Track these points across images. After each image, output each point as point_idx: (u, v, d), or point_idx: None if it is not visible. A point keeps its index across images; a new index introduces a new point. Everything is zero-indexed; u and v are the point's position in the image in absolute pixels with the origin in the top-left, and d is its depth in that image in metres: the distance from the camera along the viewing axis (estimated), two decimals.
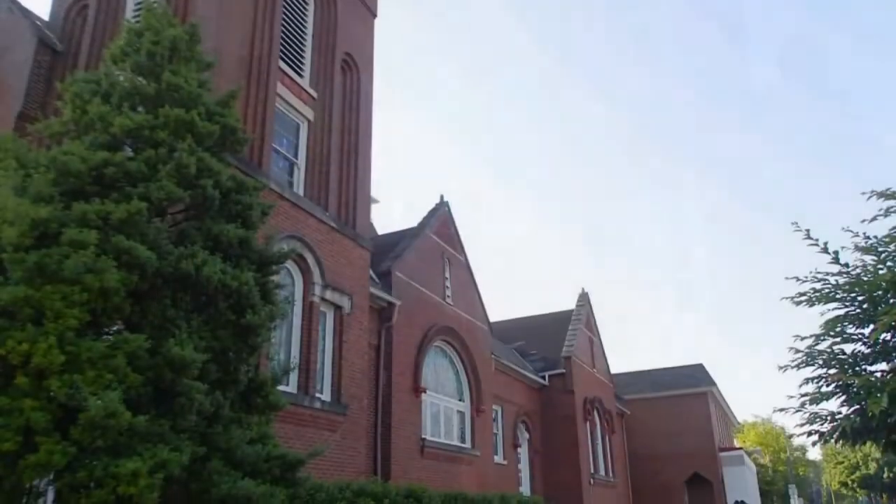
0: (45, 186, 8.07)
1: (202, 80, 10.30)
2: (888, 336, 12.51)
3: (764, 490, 68.04)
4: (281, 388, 11.63)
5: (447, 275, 25.61)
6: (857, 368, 12.96)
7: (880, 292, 12.34)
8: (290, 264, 15.68)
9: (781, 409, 13.94)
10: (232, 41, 15.20)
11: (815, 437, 13.65)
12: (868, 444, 14.11)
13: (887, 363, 12.86)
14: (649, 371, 54.13)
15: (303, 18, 18.64)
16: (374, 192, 21.67)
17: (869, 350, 12.98)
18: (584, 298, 41.17)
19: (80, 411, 6.76)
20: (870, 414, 11.34)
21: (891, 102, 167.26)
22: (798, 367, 13.39)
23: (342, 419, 16.36)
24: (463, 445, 24.55)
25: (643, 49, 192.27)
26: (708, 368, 52.89)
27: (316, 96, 18.22)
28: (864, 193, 12.76)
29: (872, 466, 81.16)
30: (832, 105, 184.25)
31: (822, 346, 13.32)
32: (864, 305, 12.73)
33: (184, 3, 15.47)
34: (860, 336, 13.02)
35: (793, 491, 54.90)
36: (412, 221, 25.75)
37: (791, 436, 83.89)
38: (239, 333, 9.04)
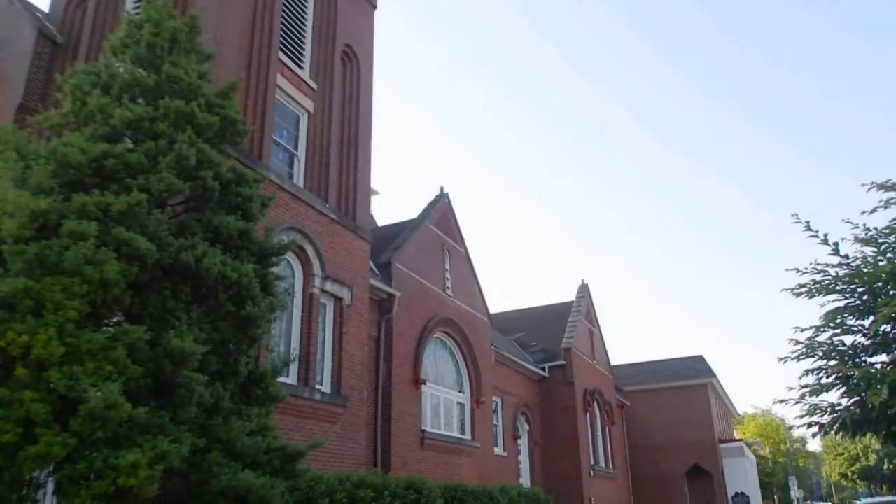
0: (45, 178, 8.06)
1: (202, 71, 10.28)
2: (888, 327, 12.51)
3: (764, 482, 68.15)
4: (281, 379, 11.65)
5: (447, 266, 25.62)
6: (857, 360, 12.96)
7: (880, 284, 12.33)
8: (290, 256, 15.68)
9: (781, 401, 13.96)
10: (232, 33, 15.18)
11: (815, 429, 13.66)
12: (868, 435, 14.11)
13: (887, 355, 12.86)
14: (649, 362, 54.14)
15: (303, 10, 18.60)
16: (374, 184, 21.69)
17: (869, 341, 12.98)
18: (583, 290, 41.20)
19: (80, 403, 6.76)
20: (870, 405, 11.34)
21: (892, 95, 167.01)
22: (798, 358, 13.39)
23: (342, 411, 16.37)
24: (463, 437, 24.58)
25: (644, 40, 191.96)
26: (708, 360, 52.94)
27: (316, 88, 18.20)
28: (864, 185, 12.75)
29: (872, 458, 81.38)
30: (833, 98, 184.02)
31: (822, 337, 13.32)
32: (864, 297, 12.73)
33: None
34: (860, 327, 13.02)
35: (793, 482, 54.93)
36: (412, 213, 25.77)
37: (791, 427, 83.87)
38: (239, 325, 9.04)
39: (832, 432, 13.50)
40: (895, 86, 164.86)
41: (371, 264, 19.93)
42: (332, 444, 15.29)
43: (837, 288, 13.04)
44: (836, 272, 13.13)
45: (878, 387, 11.10)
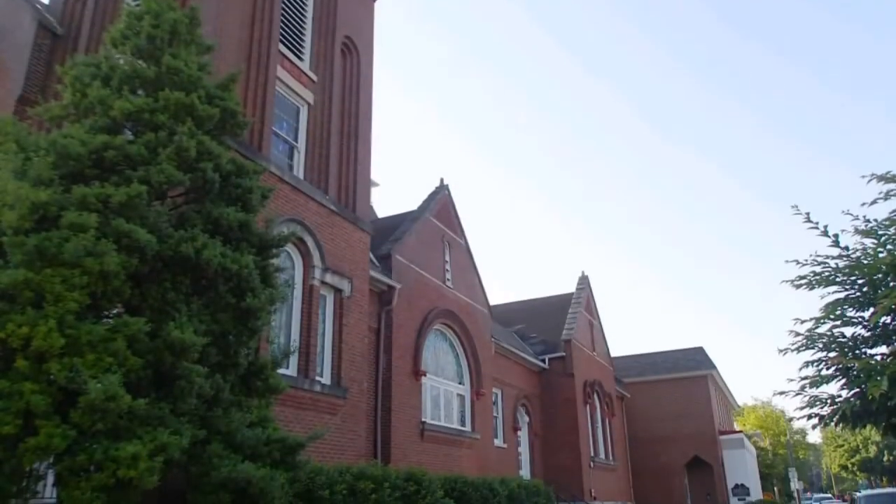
0: (45, 170, 8.05)
1: (202, 63, 10.27)
2: (888, 319, 12.52)
3: (764, 473, 68.22)
4: (281, 371, 11.64)
5: (447, 258, 25.62)
6: (857, 352, 12.97)
7: (880, 275, 12.34)
8: (289, 247, 15.68)
9: (781, 393, 13.98)
10: (232, 24, 15.15)
11: (815, 421, 13.68)
12: (868, 427, 14.12)
13: (887, 346, 12.86)
14: (649, 354, 54.21)
15: (303, 1, 18.57)
16: (374, 176, 21.66)
17: (869, 333, 12.99)
18: (584, 282, 41.20)
19: (80, 395, 6.77)
20: (870, 397, 11.35)
21: (892, 87, 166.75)
22: (798, 350, 13.40)
23: (342, 402, 16.38)
24: (463, 429, 24.60)
25: (644, 31, 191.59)
26: (708, 351, 53.01)
27: (316, 80, 18.18)
28: (864, 176, 12.75)
29: (872, 450, 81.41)
30: (834, 89, 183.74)
31: (823, 329, 13.33)
32: (864, 289, 12.74)
33: None
34: (860, 319, 13.03)
35: (793, 474, 54.88)
36: (412, 205, 25.74)
37: (791, 419, 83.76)
38: (239, 317, 9.05)
39: (832, 424, 13.51)
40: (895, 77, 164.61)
41: (371, 256, 19.92)
42: (332, 435, 15.30)
43: (837, 279, 13.05)
44: (836, 264, 13.13)
45: (878, 378, 11.11)
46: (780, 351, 13.74)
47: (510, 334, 34.84)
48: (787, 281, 13.67)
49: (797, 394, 13.46)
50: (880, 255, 12.36)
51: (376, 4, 21.96)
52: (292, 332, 15.55)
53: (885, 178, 12.48)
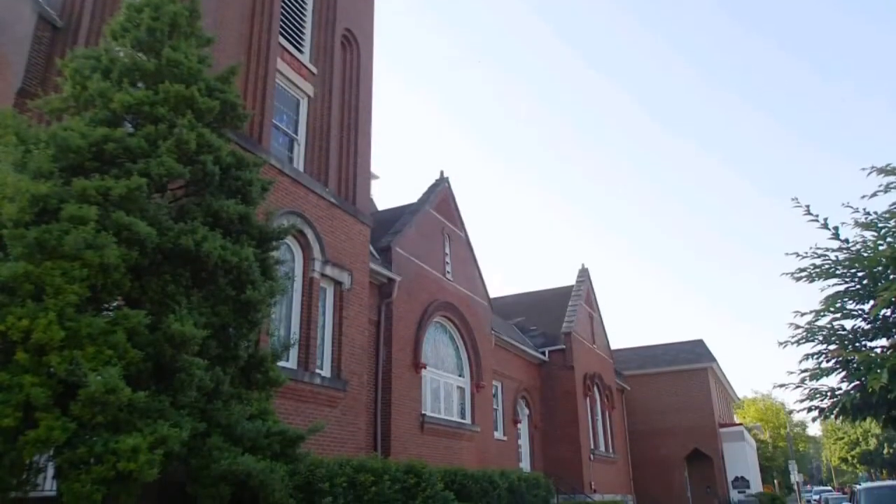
0: (45, 162, 8.04)
1: (202, 55, 10.25)
2: (888, 312, 12.53)
3: (764, 466, 68.37)
4: (281, 364, 11.66)
5: (447, 251, 25.62)
6: (857, 344, 13.00)
7: (880, 268, 12.35)
8: (289, 240, 15.67)
9: (781, 385, 14.08)
10: (232, 17, 15.13)
11: (815, 413, 13.73)
12: (868, 419, 14.17)
13: (887, 339, 12.90)
14: (649, 347, 54.13)
15: None
16: (374, 168, 21.66)
17: (869, 326, 13.01)
18: (584, 274, 41.20)
19: (80, 387, 6.77)
20: (870, 390, 11.38)
21: (894, 80, 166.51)
22: (798, 342, 13.43)
23: (342, 395, 16.40)
24: (463, 421, 24.62)
25: (645, 23, 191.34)
26: (708, 344, 52.98)
27: (316, 72, 18.15)
28: (864, 169, 12.76)
29: (872, 442, 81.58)
30: (835, 82, 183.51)
31: (823, 321, 13.36)
32: (864, 281, 12.75)
33: None
34: (860, 312, 13.05)
35: (793, 467, 54.92)
36: (412, 197, 25.72)
37: (791, 412, 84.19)
38: (239, 309, 9.05)
39: (832, 416, 13.55)
40: None
41: (371, 248, 19.92)
42: (332, 428, 15.30)
43: (837, 272, 13.07)
44: (836, 256, 13.15)
45: (878, 371, 11.13)
46: (781, 343, 13.77)
47: (510, 327, 34.87)
48: (787, 273, 13.71)
49: (797, 386, 13.50)
50: (880, 248, 12.37)
51: None
52: (292, 325, 15.55)
53: (885, 171, 12.49)
